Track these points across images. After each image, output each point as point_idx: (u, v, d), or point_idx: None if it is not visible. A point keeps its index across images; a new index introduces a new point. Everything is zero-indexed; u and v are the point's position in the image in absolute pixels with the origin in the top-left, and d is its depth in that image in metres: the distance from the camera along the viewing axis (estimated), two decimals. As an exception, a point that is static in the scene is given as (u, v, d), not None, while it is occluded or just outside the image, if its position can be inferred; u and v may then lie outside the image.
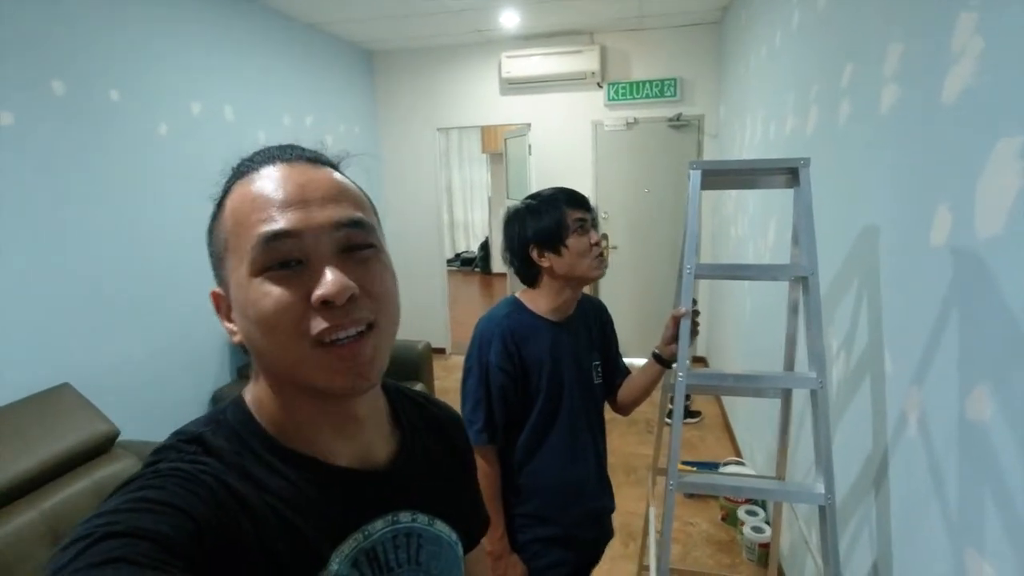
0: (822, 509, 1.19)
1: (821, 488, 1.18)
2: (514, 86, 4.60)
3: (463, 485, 0.70)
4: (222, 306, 0.53)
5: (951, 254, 1.07)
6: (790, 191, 1.32)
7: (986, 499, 0.95)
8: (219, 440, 0.49)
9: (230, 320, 0.52)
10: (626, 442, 3.43)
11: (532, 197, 1.31)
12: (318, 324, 0.46)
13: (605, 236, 1.15)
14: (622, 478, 3.02)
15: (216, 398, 2.99)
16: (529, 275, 1.30)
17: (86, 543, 0.37)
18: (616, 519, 2.62)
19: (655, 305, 4.75)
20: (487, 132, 7.51)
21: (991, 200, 0.95)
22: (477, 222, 9.31)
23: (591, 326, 1.36)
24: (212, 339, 3.02)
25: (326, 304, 0.46)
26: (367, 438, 0.56)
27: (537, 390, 1.23)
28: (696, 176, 1.31)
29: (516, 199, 5.20)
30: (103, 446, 2.13)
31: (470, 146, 8.82)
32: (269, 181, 0.49)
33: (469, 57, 4.68)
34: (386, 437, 0.59)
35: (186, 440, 0.49)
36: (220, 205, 0.52)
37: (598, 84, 4.46)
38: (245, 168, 0.52)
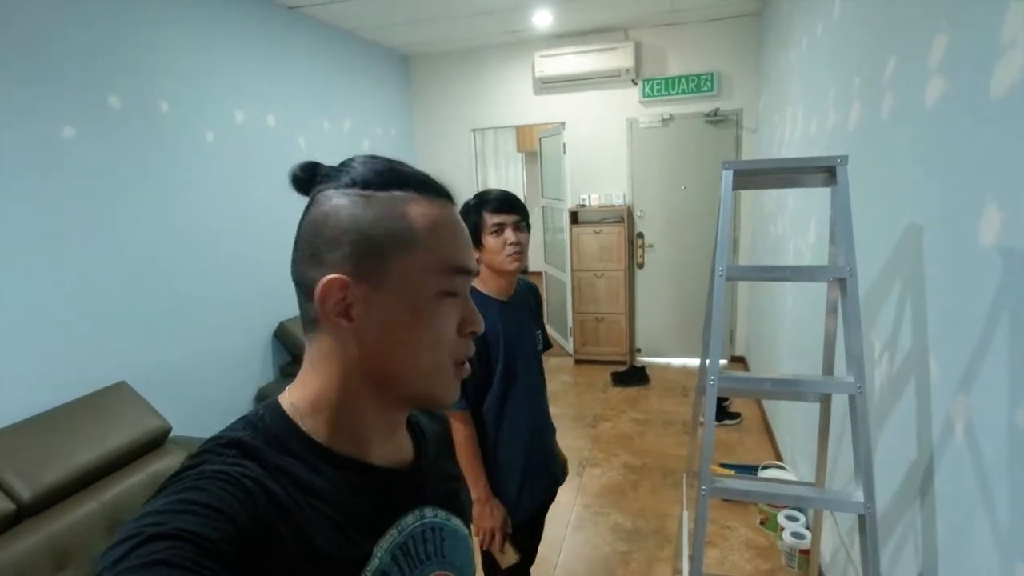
0: (862, 518, 1.15)
1: (860, 496, 1.14)
2: (548, 85, 4.59)
3: (460, 478, 0.73)
4: (336, 296, 0.51)
5: (1001, 255, 1.02)
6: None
7: (1038, 512, 0.91)
8: (258, 443, 0.51)
9: (348, 318, 0.51)
10: (663, 444, 3.39)
11: (471, 199, 1.51)
12: (468, 350, 0.57)
13: (518, 243, 1.42)
14: (659, 480, 2.98)
15: (260, 395, 3.10)
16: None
17: (133, 543, 0.39)
18: (652, 521, 2.62)
19: (691, 304, 4.67)
20: (522, 131, 7.51)
21: (1043, 198, 0.90)
22: (513, 221, 9.32)
23: (530, 302, 1.63)
24: (256, 339, 3.14)
25: (473, 334, 0.57)
26: (399, 439, 0.61)
27: (496, 359, 1.45)
28: (728, 176, 1.29)
29: (551, 198, 5.20)
30: (157, 441, 2.25)
31: (505, 145, 8.82)
32: (455, 218, 0.56)
33: (503, 58, 4.70)
34: (406, 437, 0.63)
35: (224, 444, 0.50)
36: (385, 200, 0.52)
37: (632, 81, 4.41)
38: (421, 183, 0.55)
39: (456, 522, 0.64)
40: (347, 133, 4.04)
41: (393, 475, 0.57)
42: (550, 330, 5.56)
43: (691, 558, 1.21)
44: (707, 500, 1.22)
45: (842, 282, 1.20)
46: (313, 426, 0.53)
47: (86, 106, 2.28)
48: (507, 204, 1.43)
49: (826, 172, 1.26)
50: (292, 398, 0.55)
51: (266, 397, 3.07)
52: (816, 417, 2.07)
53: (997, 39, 1.04)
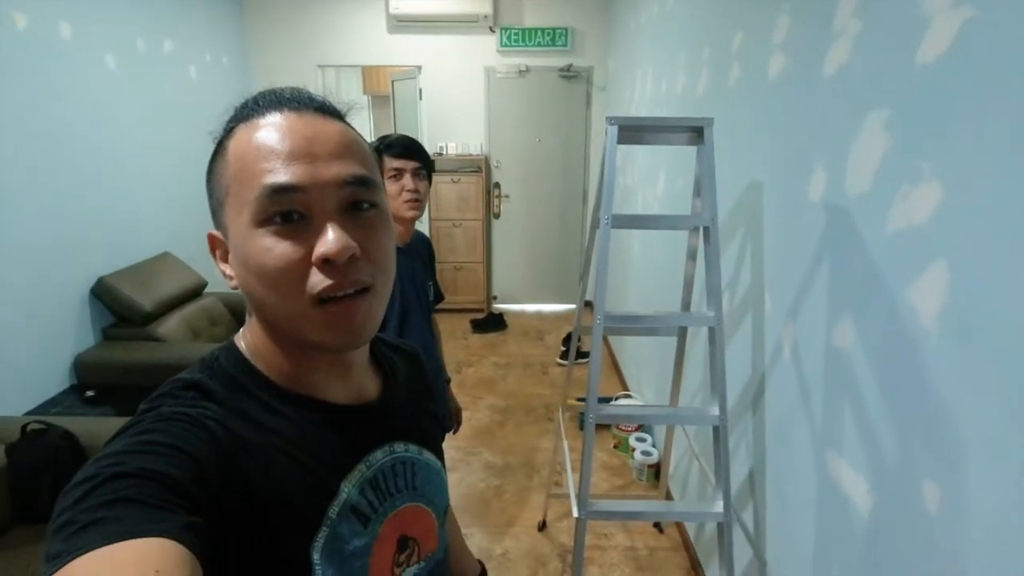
0: (716, 429, 1.38)
1: (716, 411, 1.37)
2: (404, 24, 4.36)
3: (434, 413, 0.74)
4: (218, 249, 0.52)
5: (825, 208, 1.25)
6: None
7: (845, 411, 1.17)
8: (216, 385, 0.50)
9: (226, 263, 0.52)
10: (524, 384, 3.62)
11: (373, 141, 1.49)
12: (318, 282, 0.47)
13: (416, 190, 1.41)
14: (523, 418, 3.20)
15: (78, 364, 2.66)
16: None
17: (93, 483, 0.37)
18: (520, 456, 2.82)
19: (544, 253, 4.94)
20: (369, 72, 7.05)
21: (860, 163, 1.12)
22: (359, 168, 8.87)
23: (423, 255, 1.66)
24: (69, 298, 2.66)
25: (327, 262, 0.46)
26: (358, 379, 0.59)
27: (392, 305, 1.50)
28: (613, 131, 1.38)
29: (406, 145, 5.03)
30: (-55, 426, 1.83)
31: (349, 85, 8.23)
32: (277, 130, 0.48)
33: (353, -13, 4.33)
34: (371, 376, 0.62)
35: (182, 387, 0.49)
36: (221, 146, 0.50)
37: (491, 28, 4.37)
38: (250, 111, 0.50)
39: (428, 456, 0.65)
40: (168, 56, 3.46)
41: (356, 412, 0.57)
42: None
43: (579, 474, 1.34)
44: (593, 426, 1.37)
45: (706, 230, 1.38)
46: (267, 367, 0.53)
47: None
48: (409, 150, 1.41)
49: (694, 132, 1.41)
50: (245, 339, 0.55)
51: (86, 365, 2.66)
52: (658, 351, 2.36)
53: (830, 26, 1.24)
